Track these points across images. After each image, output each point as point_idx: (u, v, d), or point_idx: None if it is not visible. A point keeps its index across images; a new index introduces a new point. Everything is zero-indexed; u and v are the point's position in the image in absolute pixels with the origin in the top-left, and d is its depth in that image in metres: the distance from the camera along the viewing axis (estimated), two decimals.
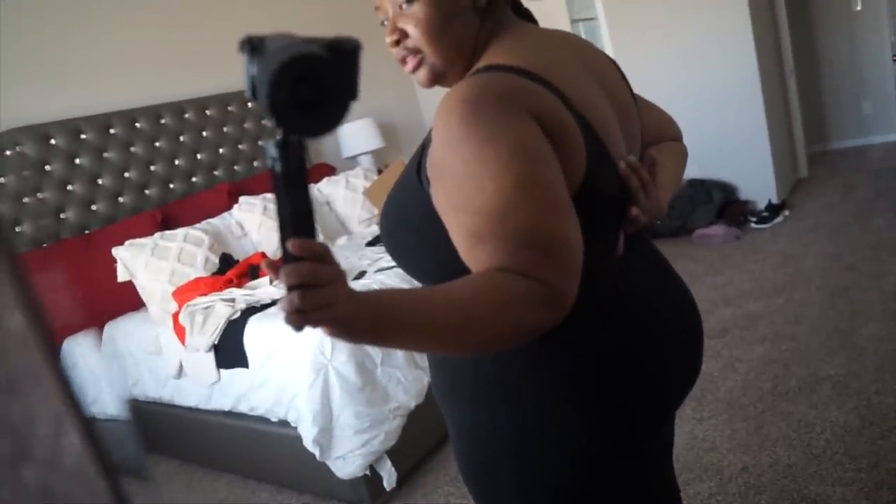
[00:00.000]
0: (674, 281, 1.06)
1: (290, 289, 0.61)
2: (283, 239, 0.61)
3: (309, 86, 0.56)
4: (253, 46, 0.58)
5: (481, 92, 0.79)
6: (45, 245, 3.10)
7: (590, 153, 0.83)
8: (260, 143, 4.24)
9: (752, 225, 4.55)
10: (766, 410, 2.43)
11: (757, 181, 4.70)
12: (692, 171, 4.65)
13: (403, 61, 0.92)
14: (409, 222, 0.92)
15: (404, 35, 0.90)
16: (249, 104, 4.18)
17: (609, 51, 4.84)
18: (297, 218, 0.61)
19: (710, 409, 2.51)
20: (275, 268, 0.62)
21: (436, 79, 0.93)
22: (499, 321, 0.71)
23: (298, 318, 0.61)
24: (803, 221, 4.45)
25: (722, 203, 4.63)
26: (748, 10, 4.38)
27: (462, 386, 0.95)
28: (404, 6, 0.88)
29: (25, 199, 3.10)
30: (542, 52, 0.89)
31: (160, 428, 3.03)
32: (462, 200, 0.77)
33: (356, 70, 0.60)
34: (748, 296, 3.46)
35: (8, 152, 3.05)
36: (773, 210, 4.54)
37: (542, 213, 0.74)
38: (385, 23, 0.92)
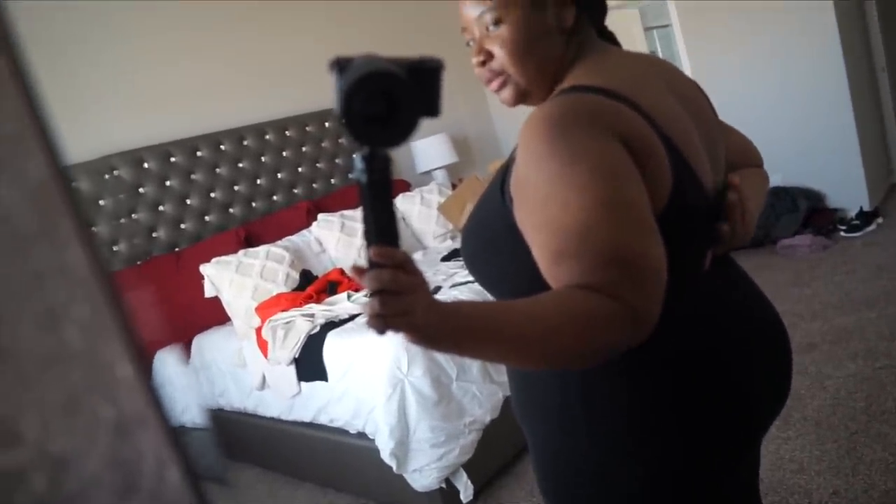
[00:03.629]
0: (759, 298, 1.04)
1: (371, 294, 0.64)
2: (368, 247, 0.65)
3: (382, 101, 0.59)
4: (341, 66, 0.62)
5: (565, 112, 0.80)
6: (139, 262, 3.30)
7: (675, 170, 0.83)
8: (337, 160, 4.37)
9: (842, 234, 4.31)
10: (860, 431, 2.30)
11: (847, 187, 4.44)
12: (774, 179, 4.45)
13: (489, 82, 0.94)
14: (491, 240, 0.93)
15: (490, 56, 0.92)
16: (326, 124, 4.32)
17: (684, 57, 4.74)
18: (380, 227, 0.64)
19: (797, 429, 2.41)
20: (360, 272, 0.65)
21: (520, 99, 0.95)
22: (577, 337, 0.71)
23: (378, 323, 0.64)
24: None
25: (808, 211, 4.41)
26: (833, 4, 4.13)
27: (544, 405, 0.95)
28: (491, 28, 0.90)
29: (122, 220, 3.31)
30: (626, 72, 0.90)
31: (244, 437, 3.15)
32: (545, 219, 0.78)
33: (437, 88, 0.63)
34: (837, 309, 3.29)
35: (106, 176, 3.26)
36: (865, 218, 4.29)
37: (625, 233, 0.74)
38: (471, 43, 0.94)
